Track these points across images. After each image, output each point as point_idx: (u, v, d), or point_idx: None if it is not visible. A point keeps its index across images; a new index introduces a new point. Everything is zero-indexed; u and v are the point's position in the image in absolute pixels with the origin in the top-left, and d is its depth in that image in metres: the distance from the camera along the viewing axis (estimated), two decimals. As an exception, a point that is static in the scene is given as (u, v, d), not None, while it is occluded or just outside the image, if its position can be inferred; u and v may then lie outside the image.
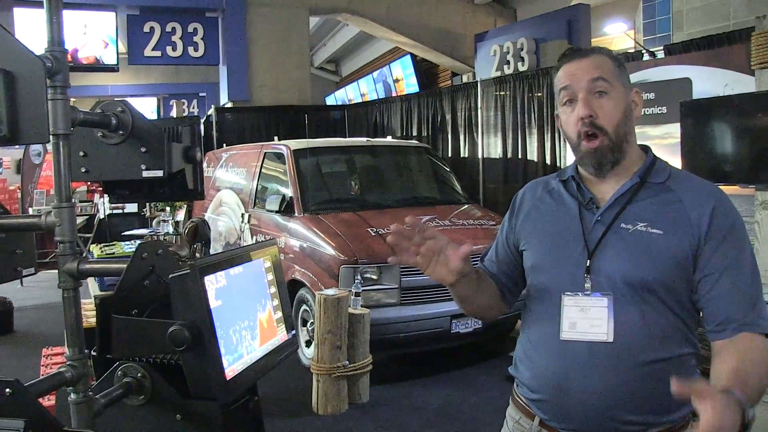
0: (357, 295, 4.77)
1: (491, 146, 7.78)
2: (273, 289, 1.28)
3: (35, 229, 1.34)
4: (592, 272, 1.59)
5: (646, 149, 1.72)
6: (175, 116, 12.37)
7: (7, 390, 1.06)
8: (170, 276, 1.07)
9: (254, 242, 6.18)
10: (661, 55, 5.10)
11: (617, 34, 10.32)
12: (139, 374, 1.21)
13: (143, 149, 1.37)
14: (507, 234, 1.84)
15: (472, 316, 1.83)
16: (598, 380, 1.55)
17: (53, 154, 1.24)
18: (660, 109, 4.91)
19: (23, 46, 1.12)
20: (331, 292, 4.59)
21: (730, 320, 1.51)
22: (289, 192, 5.99)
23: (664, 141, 4.91)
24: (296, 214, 5.79)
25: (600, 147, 1.60)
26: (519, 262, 1.80)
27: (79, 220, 9.45)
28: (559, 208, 1.73)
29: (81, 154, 1.40)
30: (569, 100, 1.64)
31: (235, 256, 1.18)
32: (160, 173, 1.36)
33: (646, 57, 5.23)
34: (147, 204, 10.40)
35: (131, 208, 11.44)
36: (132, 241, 6.74)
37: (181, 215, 8.72)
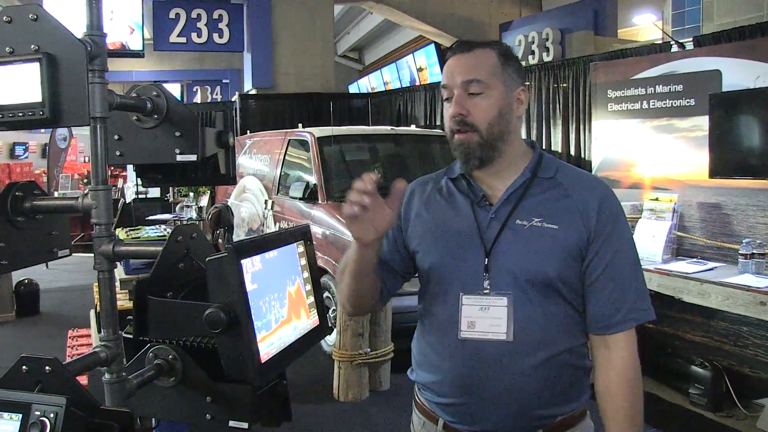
0: (379, 282, 4.78)
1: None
2: (306, 274, 1.29)
3: (72, 211, 1.36)
4: (491, 271, 1.59)
5: (533, 145, 1.72)
6: (199, 102, 12.43)
7: (47, 367, 1.08)
8: (208, 259, 1.08)
9: (278, 229, 6.22)
10: (690, 46, 5.04)
11: (646, 25, 10.21)
12: (170, 356, 1.22)
13: (177, 133, 1.38)
14: (394, 233, 1.76)
15: (349, 302, 1.74)
16: (504, 379, 1.55)
17: (90, 137, 1.25)
18: (688, 102, 4.85)
19: (66, 30, 1.13)
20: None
21: (605, 316, 1.58)
22: (312, 179, 6.02)
23: (692, 134, 4.85)
24: (320, 202, 5.82)
25: (467, 140, 1.59)
26: (406, 261, 1.76)
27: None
28: (451, 207, 1.70)
29: (116, 137, 1.41)
30: (448, 99, 1.62)
31: (271, 240, 1.19)
32: (193, 157, 1.37)
33: (674, 48, 5.17)
34: (171, 189, 10.48)
35: (154, 193, 11.53)
36: (156, 226, 6.79)
37: (204, 201, 8.79)
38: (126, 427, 1.04)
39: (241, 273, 1.07)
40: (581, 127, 6.60)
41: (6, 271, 1.36)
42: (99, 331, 4.68)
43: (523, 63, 9.34)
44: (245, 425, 1.17)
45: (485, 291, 1.58)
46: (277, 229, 6.23)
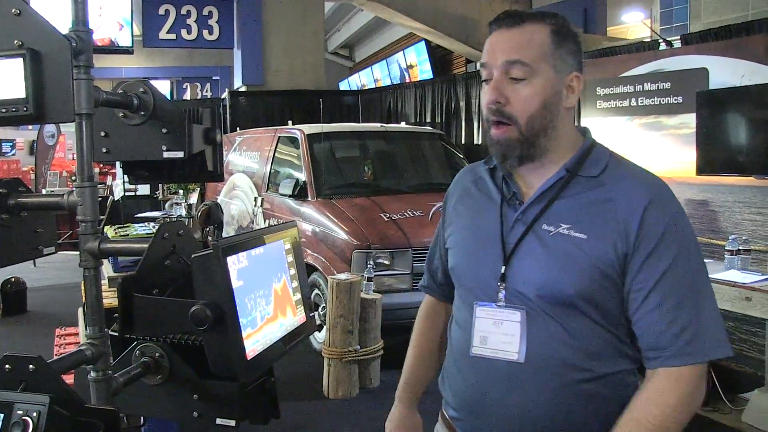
0: (369, 280, 4.80)
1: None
2: (293, 271, 1.29)
3: (57, 208, 1.35)
4: (508, 281, 1.39)
5: (585, 132, 1.49)
6: (189, 98, 12.39)
7: (31, 366, 1.07)
8: (193, 256, 1.08)
9: (267, 226, 6.21)
10: (678, 44, 5.06)
11: (634, 23, 10.25)
12: (156, 354, 1.22)
13: (164, 130, 1.37)
14: (439, 232, 1.67)
15: None
16: (518, 402, 1.38)
17: (76, 133, 1.25)
18: (676, 99, 4.88)
19: (50, 26, 1.13)
20: (343, 276, 4.61)
21: (652, 348, 1.32)
22: (302, 176, 6.01)
23: (680, 131, 4.88)
24: (309, 199, 5.81)
25: (505, 138, 1.38)
26: None
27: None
28: (482, 201, 1.51)
29: (102, 134, 1.40)
30: (486, 80, 1.40)
31: (257, 237, 1.19)
32: (180, 154, 1.36)
33: (662, 46, 5.19)
34: (160, 187, 10.46)
35: (144, 190, 11.51)
36: (145, 223, 6.76)
37: (194, 198, 8.77)
38: (112, 426, 1.03)
39: (226, 270, 1.06)
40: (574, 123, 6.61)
41: (-9, 269, 1.35)
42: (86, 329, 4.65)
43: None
44: (232, 423, 1.17)
45: (500, 303, 1.40)
46: (268, 226, 6.23)
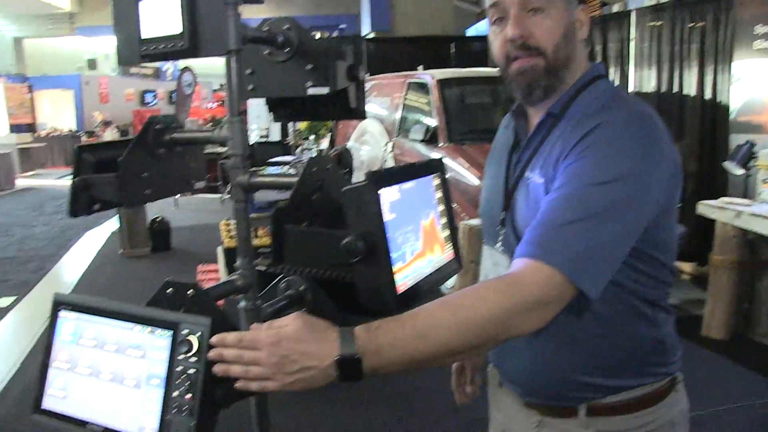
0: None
1: (644, 80, 7.33)
2: (441, 207, 1.28)
3: (209, 142, 1.40)
4: (506, 225, 1.39)
5: (597, 74, 1.40)
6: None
7: (190, 291, 1.12)
8: (346, 188, 1.08)
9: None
10: None
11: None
12: (301, 287, 1.25)
13: (309, 67, 1.37)
14: None
15: None
16: (528, 343, 1.35)
17: (226, 70, 1.27)
18: None
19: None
20: (474, 222, 4.56)
21: (524, 242, 1.20)
22: (433, 121, 5.98)
23: None
24: (440, 144, 5.78)
25: (531, 66, 1.33)
26: None
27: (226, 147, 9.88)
28: (503, 146, 1.52)
29: (248, 71, 1.42)
30: (499, 19, 1.36)
31: (408, 171, 1.18)
32: (325, 90, 1.36)
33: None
34: (291, 132, 10.73)
35: (275, 136, 11.87)
36: (279, 167, 6.99)
37: (324, 144, 8.94)
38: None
39: (379, 202, 1.06)
40: (720, 68, 6.17)
41: (150, 200, 1.42)
42: (226, 267, 4.88)
43: (654, 1, 8.86)
44: None
45: (497, 246, 1.42)
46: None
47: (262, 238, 4.50)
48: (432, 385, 3.78)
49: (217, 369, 1.02)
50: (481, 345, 1.11)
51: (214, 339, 1.02)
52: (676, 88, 6.76)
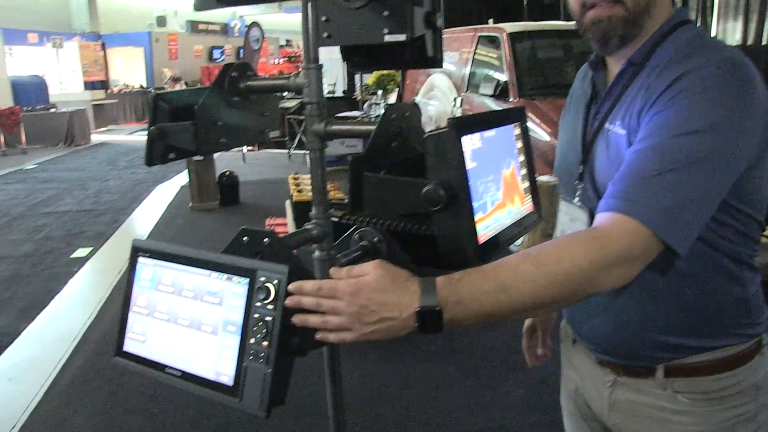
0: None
1: (728, 32, 7.01)
2: (522, 158, 1.24)
3: (284, 89, 1.39)
4: (585, 179, 1.33)
5: (681, 20, 1.29)
6: None
7: (266, 239, 1.12)
8: (427, 134, 1.05)
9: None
10: None
11: None
12: (375, 239, 1.23)
13: (386, 13, 1.33)
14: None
15: None
16: (607, 300, 1.31)
17: (302, 17, 1.25)
18: None
19: None
20: (545, 178, 4.46)
21: (607, 195, 1.14)
22: (503, 76, 5.85)
23: None
24: (511, 99, 5.66)
25: (608, 15, 1.25)
26: None
27: (293, 102, 9.94)
28: (580, 98, 1.45)
29: (323, 18, 1.39)
30: None
31: (490, 119, 1.14)
32: (402, 37, 1.32)
33: None
34: (357, 88, 10.68)
35: (340, 92, 11.87)
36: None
37: (392, 99, 8.87)
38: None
39: (461, 149, 1.03)
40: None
41: (225, 149, 1.42)
42: (294, 220, 4.93)
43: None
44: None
45: (575, 201, 1.36)
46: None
47: (330, 192, 4.52)
48: (496, 343, 3.76)
49: (296, 319, 1.01)
50: (564, 300, 1.07)
51: (292, 286, 1.01)
52: (765, 40, 6.43)
